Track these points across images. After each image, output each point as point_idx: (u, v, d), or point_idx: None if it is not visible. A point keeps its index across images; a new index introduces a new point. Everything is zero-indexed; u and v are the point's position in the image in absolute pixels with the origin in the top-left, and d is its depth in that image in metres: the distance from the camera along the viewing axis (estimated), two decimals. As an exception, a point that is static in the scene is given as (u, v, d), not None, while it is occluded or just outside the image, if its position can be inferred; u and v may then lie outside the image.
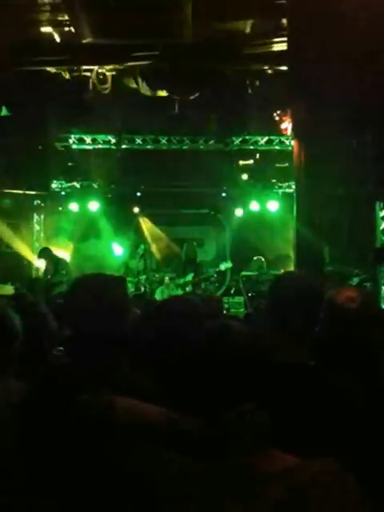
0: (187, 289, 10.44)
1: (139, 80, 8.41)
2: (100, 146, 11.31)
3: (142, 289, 10.77)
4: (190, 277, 10.56)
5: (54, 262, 9.87)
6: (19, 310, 2.16)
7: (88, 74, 8.77)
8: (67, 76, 8.71)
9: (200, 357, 1.37)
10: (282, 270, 10.73)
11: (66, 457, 1.34)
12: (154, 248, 12.61)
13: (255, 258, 11.20)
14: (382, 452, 1.67)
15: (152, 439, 1.29)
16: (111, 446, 1.29)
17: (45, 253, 10.22)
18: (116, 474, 1.26)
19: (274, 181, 11.81)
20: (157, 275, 11.70)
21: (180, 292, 10.34)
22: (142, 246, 11.86)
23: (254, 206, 12.13)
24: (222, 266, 11.39)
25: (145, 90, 8.47)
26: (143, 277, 11.14)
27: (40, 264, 10.52)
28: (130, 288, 10.58)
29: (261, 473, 1.03)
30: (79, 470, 1.31)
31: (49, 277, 9.75)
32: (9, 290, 8.87)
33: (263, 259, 11.12)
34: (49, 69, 8.38)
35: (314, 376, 1.90)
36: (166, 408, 1.40)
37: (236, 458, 1.13)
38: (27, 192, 11.33)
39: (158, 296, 10.38)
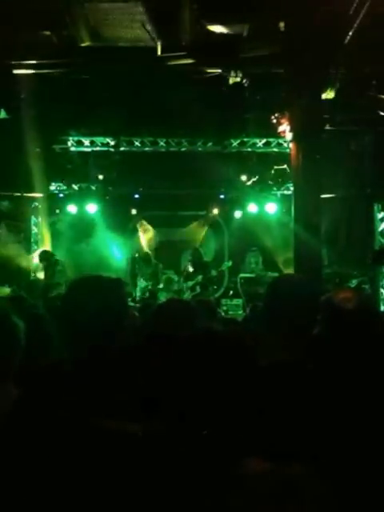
0: (197, 288, 10.55)
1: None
2: (98, 149, 11.32)
3: (139, 294, 10.77)
4: (200, 278, 10.67)
5: (52, 264, 9.91)
6: (16, 311, 2.16)
7: (86, 76, 8.78)
8: (66, 78, 8.72)
9: (190, 359, 1.38)
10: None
11: (50, 465, 1.35)
12: (153, 250, 12.61)
13: (253, 249, 11.26)
14: (364, 459, 1.68)
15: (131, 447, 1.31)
16: (91, 457, 1.31)
17: (43, 255, 10.26)
18: (100, 483, 1.27)
19: (271, 183, 11.83)
20: (156, 277, 11.70)
21: (188, 295, 10.42)
22: (142, 249, 11.89)
23: (253, 207, 12.15)
24: (224, 266, 11.45)
25: None
26: (142, 279, 11.15)
27: (38, 264, 10.51)
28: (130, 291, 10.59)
29: (240, 474, 1.04)
30: (62, 480, 1.32)
31: (47, 278, 9.77)
32: (6, 291, 8.87)
33: (255, 248, 11.18)
34: (47, 72, 8.38)
35: (307, 378, 1.90)
36: (160, 409, 1.41)
37: (214, 461, 1.14)
38: (25, 194, 11.33)
39: (159, 298, 10.42)
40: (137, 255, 11.60)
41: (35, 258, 10.75)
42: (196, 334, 1.51)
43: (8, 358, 1.98)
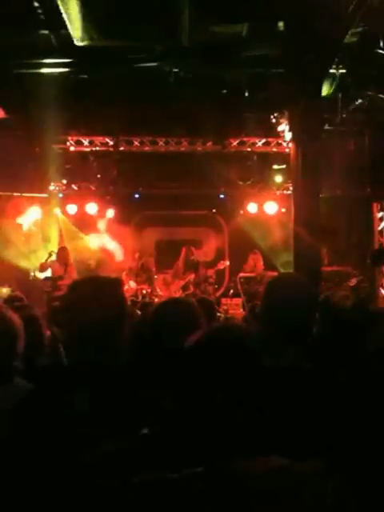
0: (191, 287, 10.58)
1: None
2: (98, 148, 11.33)
3: (140, 297, 10.77)
4: (191, 277, 10.70)
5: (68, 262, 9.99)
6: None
7: (85, 76, 8.78)
8: (65, 79, 8.72)
9: (193, 358, 1.38)
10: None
11: (52, 464, 1.36)
12: (150, 251, 12.62)
13: (255, 251, 11.28)
14: (371, 454, 1.69)
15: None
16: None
17: (62, 252, 10.28)
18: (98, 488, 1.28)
19: (271, 182, 11.84)
20: (155, 277, 11.72)
21: (180, 294, 10.43)
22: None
23: (252, 207, 12.17)
24: (221, 265, 11.46)
25: None
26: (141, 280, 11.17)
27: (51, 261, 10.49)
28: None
29: (245, 475, 1.04)
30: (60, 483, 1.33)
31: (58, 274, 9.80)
32: (5, 291, 8.87)
33: (259, 253, 11.21)
34: (46, 71, 8.39)
35: (306, 379, 1.90)
36: (159, 411, 1.42)
37: (220, 462, 1.14)
38: (25, 194, 11.34)
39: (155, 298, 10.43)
40: (137, 255, 11.62)
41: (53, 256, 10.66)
42: (196, 345, 1.50)
43: (10, 353, 1.99)
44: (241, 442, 1.25)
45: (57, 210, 12.00)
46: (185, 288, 10.68)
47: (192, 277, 10.78)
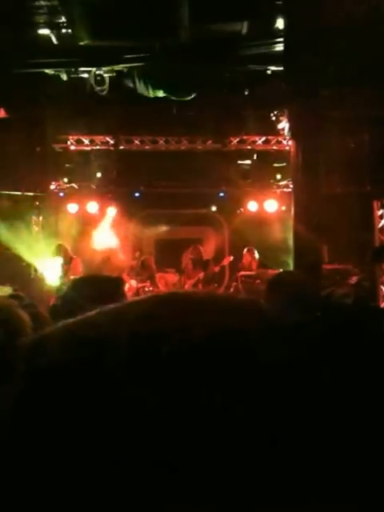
0: (199, 286, 10.62)
1: (136, 80, 8.44)
2: (98, 147, 11.33)
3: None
4: (200, 275, 10.73)
5: (68, 260, 9.97)
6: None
7: (86, 75, 8.79)
8: (65, 78, 8.73)
9: (192, 356, 1.38)
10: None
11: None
12: (150, 249, 12.62)
13: (249, 247, 11.26)
14: (372, 455, 1.69)
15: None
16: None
17: (60, 249, 10.24)
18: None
19: (271, 180, 11.83)
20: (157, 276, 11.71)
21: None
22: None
23: (252, 205, 12.16)
24: (226, 261, 11.48)
25: (142, 89, 8.49)
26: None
27: (54, 261, 10.45)
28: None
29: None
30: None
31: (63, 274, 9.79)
32: (7, 290, 8.86)
33: (256, 251, 11.18)
34: (47, 71, 8.39)
35: (307, 377, 1.91)
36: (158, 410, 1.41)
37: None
38: (26, 193, 11.34)
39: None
40: (137, 254, 11.62)
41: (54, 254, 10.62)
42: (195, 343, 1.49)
43: (15, 352, 1.99)
44: (240, 442, 1.25)
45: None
46: (195, 286, 10.72)
47: (201, 275, 10.82)
